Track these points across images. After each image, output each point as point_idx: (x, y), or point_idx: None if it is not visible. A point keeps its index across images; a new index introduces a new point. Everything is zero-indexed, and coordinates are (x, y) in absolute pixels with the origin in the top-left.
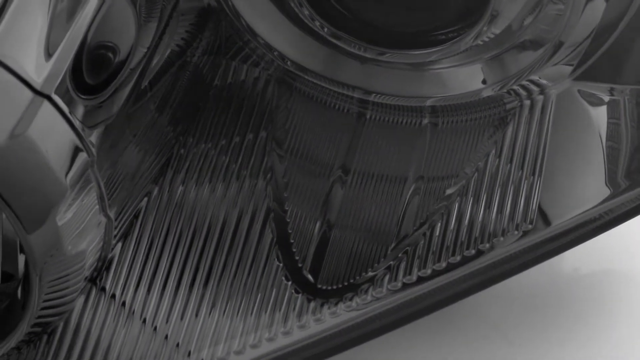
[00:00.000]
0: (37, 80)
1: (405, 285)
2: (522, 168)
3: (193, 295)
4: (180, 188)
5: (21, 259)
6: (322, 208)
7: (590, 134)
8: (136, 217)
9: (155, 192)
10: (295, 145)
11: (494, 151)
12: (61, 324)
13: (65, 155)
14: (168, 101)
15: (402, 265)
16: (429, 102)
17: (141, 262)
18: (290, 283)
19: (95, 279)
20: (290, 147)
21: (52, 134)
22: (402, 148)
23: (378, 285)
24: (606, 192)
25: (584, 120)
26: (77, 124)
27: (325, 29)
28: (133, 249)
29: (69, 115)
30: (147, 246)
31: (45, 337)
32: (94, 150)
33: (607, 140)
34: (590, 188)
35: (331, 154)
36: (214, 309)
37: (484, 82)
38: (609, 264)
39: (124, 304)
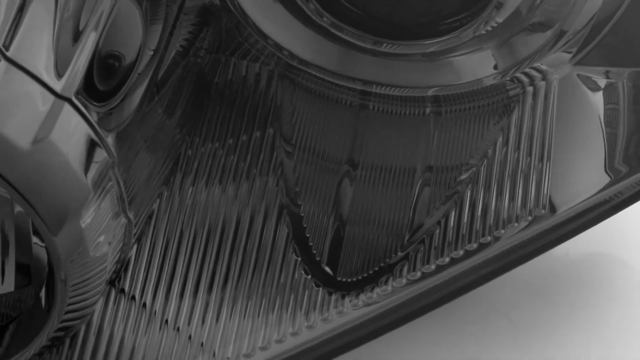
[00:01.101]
0: (56, 83)
1: (424, 275)
2: (530, 155)
3: (213, 296)
4: (191, 190)
5: (36, 250)
6: (334, 203)
7: (592, 119)
8: (149, 219)
9: (166, 194)
10: (302, 140)
11: (501, 139)
12: (83, 327)
13: (87, 157)
14: (176, 103)
15: (420, 255)
16: (431, 92)
17: (158, 264)
18: (309, 277)
19: (113, 281)
20: (297, 143)
21: (73, 136)
22: (407, 139)
23: (397, 275)
24: (606, 178)
25: (585, 105)
26: (96, 126)
27: (325, 19)
28: (149, 251)
29: (89, 117)
30: (163, 248)
31: (67, 341)
32: (113, 151)
33: (605, 126)
34: (591, 175)
35: (337, 148)
36: (235, 307)
37: (495, 67)
38: (605, 248)
39: (144, 305)
